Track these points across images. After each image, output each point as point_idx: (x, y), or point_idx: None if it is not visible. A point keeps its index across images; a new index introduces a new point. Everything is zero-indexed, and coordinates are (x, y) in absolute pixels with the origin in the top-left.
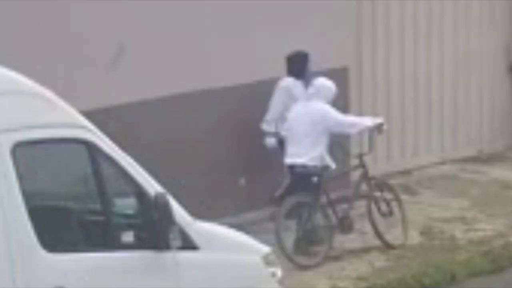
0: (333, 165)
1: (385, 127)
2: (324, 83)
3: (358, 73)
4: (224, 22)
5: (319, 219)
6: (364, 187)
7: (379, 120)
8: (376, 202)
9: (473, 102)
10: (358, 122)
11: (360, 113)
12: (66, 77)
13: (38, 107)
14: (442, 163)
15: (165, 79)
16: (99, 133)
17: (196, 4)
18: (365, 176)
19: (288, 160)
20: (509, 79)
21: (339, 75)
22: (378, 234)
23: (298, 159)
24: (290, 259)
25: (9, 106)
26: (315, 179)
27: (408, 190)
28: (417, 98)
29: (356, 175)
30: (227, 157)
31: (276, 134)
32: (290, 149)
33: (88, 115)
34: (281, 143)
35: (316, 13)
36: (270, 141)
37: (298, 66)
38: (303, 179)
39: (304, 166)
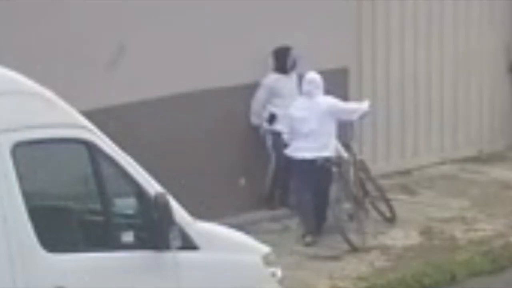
0: (345, 154)
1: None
2: (318, 76)
3: (358, 73)
4: (223, 22)
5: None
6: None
7: (367, 102)
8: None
9: (473, 102)
10: (357, 107)
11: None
12: (66, 77)
13: (38, 107)
14: (442, 163)
15: (165, 79)
16: (99, 133)
17: (196, 4)
18: (355, 163)
19: (305, 154)
20: (509, 79)
21: (339, 75)
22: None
23: (320, 153)
24: (348, 241)
25: (9, 106)
26: (337, 169)
27: (408, 190)
28: (417, 98)
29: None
30: (227, 157)
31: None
32: (303, 144)
33: (88, 115)
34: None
35: (316, 13)
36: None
37: (281, 60)
38: (325, 171)
39: (327, 159)
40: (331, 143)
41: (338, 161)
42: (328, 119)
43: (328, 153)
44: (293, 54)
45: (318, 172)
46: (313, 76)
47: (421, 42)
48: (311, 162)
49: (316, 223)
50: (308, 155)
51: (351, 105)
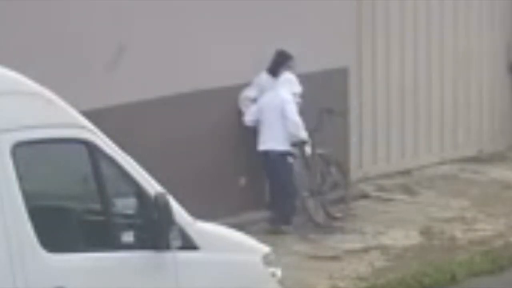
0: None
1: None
2: (292, 77)
3: (358, 73)
4: (223, 22)
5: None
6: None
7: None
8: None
9: (473, 102)
10: (298, 127)
11: (360, 113)
12: (66, 77)
13: (38, 107)
14: (442, 163)
15: (165, 79)
16: (99, 133)
17: (196, 4)
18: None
19: (261, 146)
20: (509, 79)
21: (339, 75)
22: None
23: (274, 146)
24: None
25: (9, 106)
26: (292, 160)
27: (408, 190)
28: (417, 98)
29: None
30: (227, 157)
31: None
32: (261, 135)
33: (88, 115)
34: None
35: (316, 13)
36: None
37: (276, 64)
38: (281, 164)
39: (282, 153)
40: (287, 137)
41: (295, 152)
42: (280, 114)
43: (283, 146)
44: (290, 65)
45: (273, 164)
46: (287, 74)
47: (421, 42)
48: (266, 154)
49: (283, 215)
50: (263, 147)
51: (296, 118)
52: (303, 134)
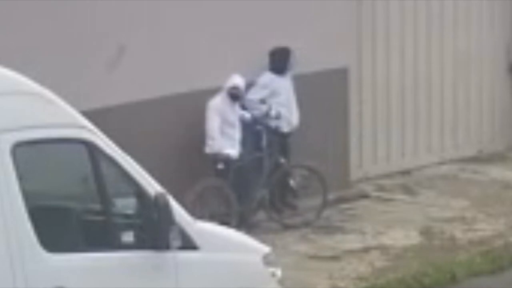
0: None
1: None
2: (239, 81)
3: (358, 73)
4: (223, 23)
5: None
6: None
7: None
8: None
9: (473, 102)
10: (214, 139)
11: (360, 114)
12: (66, 77)
13: (38, 107)
14: (442, 163)
15: (165, 79)
16: (99, 133)
17: (196, 4)
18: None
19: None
20: (509, 79)
21: (339, 75)
22: None
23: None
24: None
25: (9, 106)
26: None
27: (408, 190)
28: (417, 98)
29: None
30: None
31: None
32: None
33: (88, 115)
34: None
35: (316, 13)
36: None
37: (280, 61)
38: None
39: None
40: (217, 140)
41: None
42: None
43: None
44: (293, 57)
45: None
46: (237, 80)
47: (421, 42)
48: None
49: None
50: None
51: (207, 125)
52: (206, 147)
